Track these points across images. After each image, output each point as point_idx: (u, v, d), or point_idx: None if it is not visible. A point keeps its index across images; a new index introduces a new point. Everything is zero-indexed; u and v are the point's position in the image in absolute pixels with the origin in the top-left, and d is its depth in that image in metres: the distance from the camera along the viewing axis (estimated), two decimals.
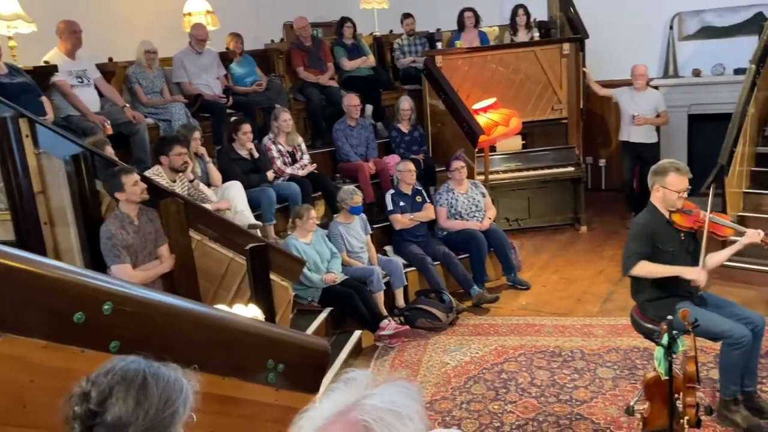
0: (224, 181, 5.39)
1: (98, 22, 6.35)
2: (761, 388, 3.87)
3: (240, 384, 2.22)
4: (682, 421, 3.22)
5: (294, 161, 6.05)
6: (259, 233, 4.93)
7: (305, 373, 2.42)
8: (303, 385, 2.39)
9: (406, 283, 5.56)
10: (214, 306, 2.85)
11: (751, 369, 3.66)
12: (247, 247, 4.08)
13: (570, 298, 5.64)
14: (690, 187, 3.63)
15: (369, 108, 7.15)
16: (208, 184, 5.28)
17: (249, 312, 3.03)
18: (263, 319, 3.12)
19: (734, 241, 3.79)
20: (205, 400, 1.55)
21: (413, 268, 5.71)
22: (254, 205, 5.37)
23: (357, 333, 5.00)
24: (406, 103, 6.76)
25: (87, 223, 4.06)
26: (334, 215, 5.62)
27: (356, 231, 5.47)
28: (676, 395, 3.23)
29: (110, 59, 6.10)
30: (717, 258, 3.76)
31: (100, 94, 5.54)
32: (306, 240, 5.14)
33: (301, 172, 5.97)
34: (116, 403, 1.40)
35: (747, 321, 3.57)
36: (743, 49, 6.91)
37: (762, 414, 3.65)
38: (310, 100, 6.91)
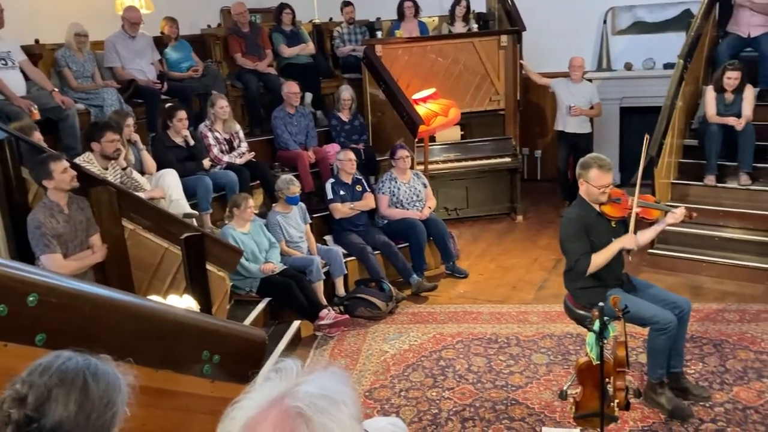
0: (159, 169, 5.26)
1: (23, 1, 6.06)
2: (686, 370, 4.04)
3: (174, 376, 2.17)
4: (612, 404, 3.34)
5: (231, 149, 5.95)
6: (195, 222, 4.84)
7: (242, 364, 2.39)
8: (239, 377, 2.36)
9: (345, 273, 5.55)
10: (148, 297, 2.78)
11: (678, 351, 3.82)
12: (183, 237, 3.99)
13: (506, 285, 5.75)
14: (610, 183, 3.71)
15: (308, 96, 7.09)
16: (142, 172, 5.14)
17: (183, 303, 2.97)
18: (198, 310, 3.06)
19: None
20: (137, 393, 1.51)
21: (353, 258, 5.71)
22: (190, 193, 5.26)
23: (296, 323, 4.96)
24: (347, 93, 6.73)
25: (12, 212, 3.89)
26: (273, 204, 5.55)
27: (295, 220, 5.43)
28: (607, 379, 3.35)
29: (36, 41, 5.85)
30: (647, 235, 3.91)
31: (27, 78, 5.30)
32: (244, 229, 5.06)
33: (238, 161, 5.88)
34: (56, 408, 1.28)
35: (673, 306, 3.72)
36: (672, 45, 7.17)
37: (687, 395, 3.81)
38: (248, 87, 6.80)
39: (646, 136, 3.93)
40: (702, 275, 5.62)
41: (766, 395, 3.83)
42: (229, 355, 2.36)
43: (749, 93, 6.00)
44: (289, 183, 5.34)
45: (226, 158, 5.82)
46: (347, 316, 5.15)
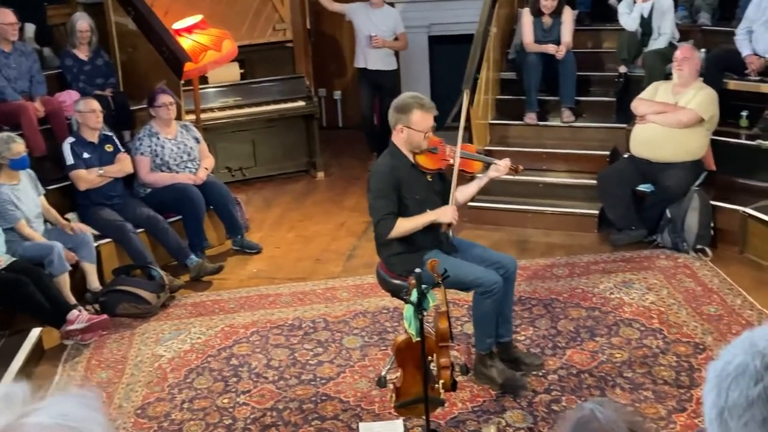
0: None
1: None
2: (516, 337, 4.37)
3: None
4: (437, 385, 3.51)
5: None
6: None
7: None
8: None
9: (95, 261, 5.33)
10: None
11: (506, 317, 4.11)
12: None
13: (309, 258, 5.83)
14: (433, 125, 3.88)
15: (30, 28, 6.59)
16: None
17: None
18: None
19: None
20: None
21: (108, 240, 5.50)
22: None
23: (35, 331, 4.70)
24: (83, 23, 6.33)
25: None
26: None
27: (27, 193, 5.12)
28: (430, 357, 3.51)
29: None
30: (467, 192, 4.15)
31: None
32: None
33: None
34: None
35: (498, 265, 3.99)
36: None
37: (518, 365, 4.12)
38: None
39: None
40: (528, 228, 6.09)
41: (600, 356, 4.26)
42: None
43: (568, 16, 6.53)
44: (7, 141, 4.96)
45: None
46: (106, 316, 4.96)
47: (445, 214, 3.83)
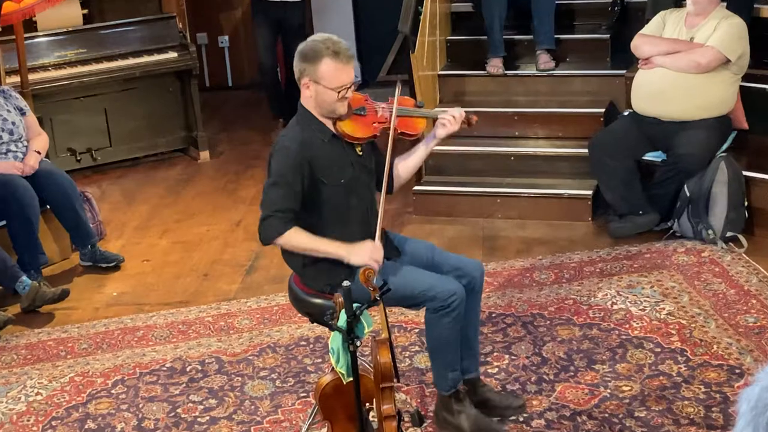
0: None
1: None
2: (486, 370, 4.39)
3: None
4: None
5: None
6: None
7: None
8: None
9: None
10: None
11: (471, 344, 4.08)
12: None
13: (192, 273, 5.81)
14: (353, 81, 3.81)
15: None
16: None
17: None
18: None
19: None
20: None
21: None
22: None
23: None
24: None
25: None
26: None
27: None
28: (368, 404, 3.50)
29: None
30: (409, 165, 4.08)
31: None
32: None
33: None
34: None
35: (458, 272, 3.96)
36: None
37: (491, 409, 4.13)
38: None
39: None
40: (497, 218, 6.13)
41: (602, 390, 4.29)
42: None
43: None
44: None
45: None
46: None
47: (359, 254, 3.68)
